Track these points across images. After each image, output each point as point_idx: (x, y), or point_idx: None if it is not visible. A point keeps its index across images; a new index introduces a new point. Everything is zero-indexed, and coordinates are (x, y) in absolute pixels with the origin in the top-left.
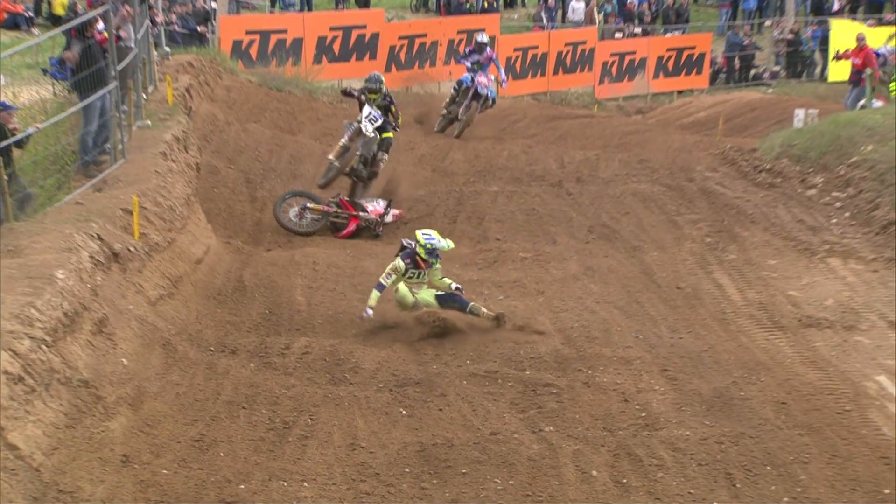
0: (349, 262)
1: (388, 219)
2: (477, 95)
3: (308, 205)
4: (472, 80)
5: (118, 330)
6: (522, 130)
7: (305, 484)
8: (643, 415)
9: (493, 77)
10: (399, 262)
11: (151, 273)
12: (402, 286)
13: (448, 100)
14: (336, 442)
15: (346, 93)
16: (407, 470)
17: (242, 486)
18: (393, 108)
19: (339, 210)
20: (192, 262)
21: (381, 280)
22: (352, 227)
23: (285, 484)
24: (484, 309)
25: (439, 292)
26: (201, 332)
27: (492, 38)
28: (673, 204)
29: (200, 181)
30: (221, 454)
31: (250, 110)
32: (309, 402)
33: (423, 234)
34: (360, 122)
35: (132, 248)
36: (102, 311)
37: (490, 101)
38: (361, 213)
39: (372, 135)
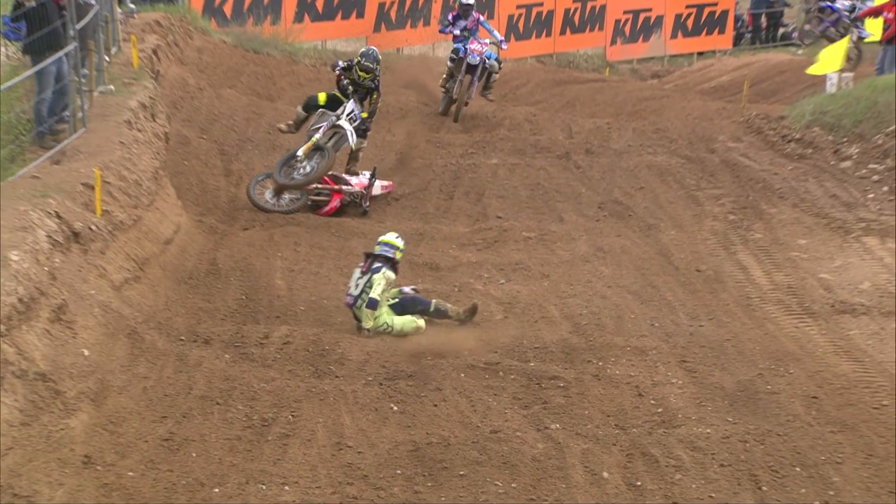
0: (334, 243)
1: (377, 191)
2: (471, 68)
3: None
4: (465, 50)
5: (79, 317)
6: (526, 96)
7: (286, 487)
8: (659, 410)
9: (487, 41)
10: (389, 273)
11: (115, 254)
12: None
13: (445, 75)
14: (320, 441)
15: (336, 68)
16: (398, 471)
17: (217, 490)
18: (374, 96)
19: (319, 186)
20: (161, 243)
21: (373, 296)
22: (335, 202)
23: (264, 487)
24: (450, 305)
25: (392, 301)
26: (171, 320)
27: None
28: (692, 177)
29: (169, 153)
30: (193, 454)
31: (224, 74)
32: (290, 397)
33: (394, 237)
34: (338, 117)
35: (94, 227)
36: (61, 296)
37: (496, 68)
38: (344, 187)
39: (354, 144)
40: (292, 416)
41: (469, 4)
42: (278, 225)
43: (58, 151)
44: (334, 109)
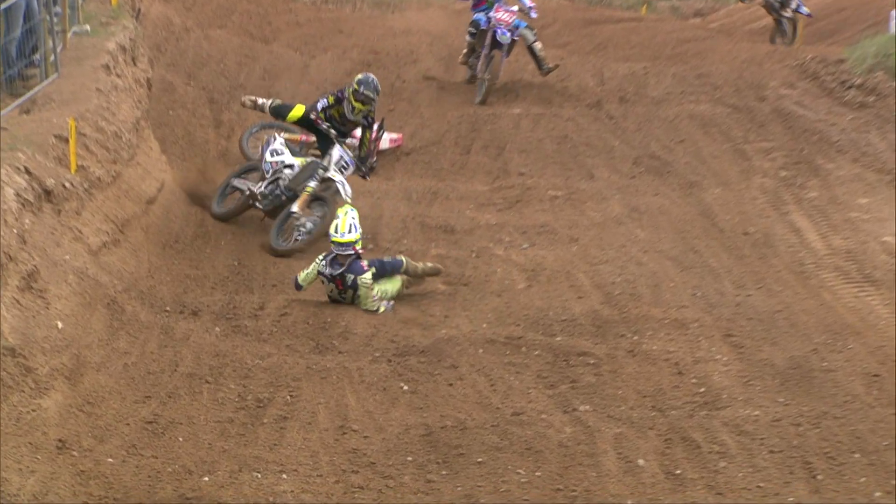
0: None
1: (385, 145)
2: (497, 44)
3: (282, 135)
4: (488, 20)
5: (52, 285)
6: (552, 38)
7: (284, 475)
8: (701, 390)
9: (514, 8)
10: (366, 279)
11: (92, 215)
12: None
13: (466, 49)
14: (322, 424)
15: (315, 110)
16: (409, 458)
17: (206, 479)
18: (368, 134)
19: None
20: (143, 202)
21: (370, 308)
22: None
23: (259, 475)
24: (411, 263)
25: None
26: (155, 289)
27: None
28: (739, 129)
29: (152, 101)
30: (180, 439)
31: (213, 12)
32: (288, 376)
33: (347, 229)
34: (325, 168)
35: (68, 185)
36: (32, 262)
37: (530, 38)
38: (349, 141)
39: (349, 197)
40: (290, 396)
41: None
42: None
43: (27, 99)
44: (307, 128)
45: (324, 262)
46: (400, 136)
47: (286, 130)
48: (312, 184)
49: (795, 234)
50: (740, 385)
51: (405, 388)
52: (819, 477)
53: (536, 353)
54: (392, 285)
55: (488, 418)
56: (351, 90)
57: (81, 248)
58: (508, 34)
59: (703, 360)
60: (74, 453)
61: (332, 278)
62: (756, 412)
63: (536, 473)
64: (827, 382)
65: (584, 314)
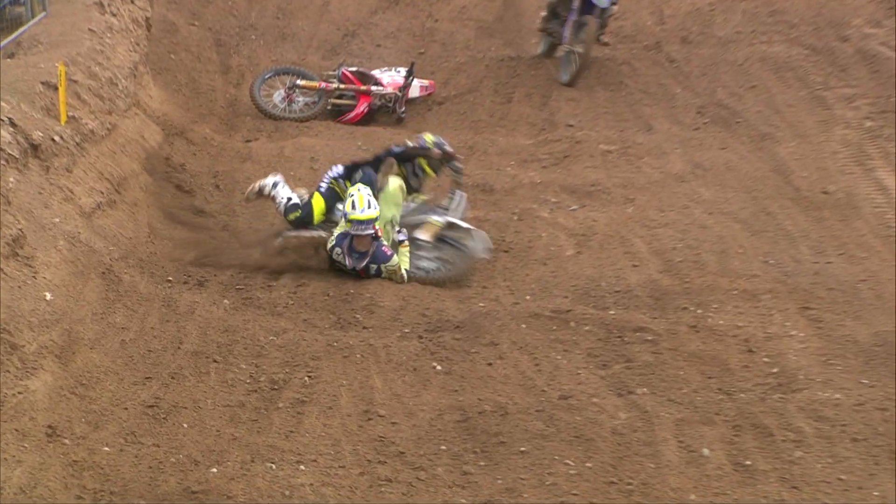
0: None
1: (415, 93)
2: (590, 6)
3: (298, 82)
4: None
5: (40, 252)
6: None
7: (302, 466)
8: (775, 371)
9: None
10: (396, 263)
11: (85, 173)
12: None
13: (545, 12)
14: (344, 409)
15: (448, 155)
16: (443, 447)
17: (214, 470)
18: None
19: (341, 86)
20: (142, 158)
21: (406, 270)
22: (362, 107)
23: (274, 466)
24: None
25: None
26: (155, 256)
27: None
28: (818, 73)
29: (152, 43)
30: (184, 425)
31: None
32: (306, 354)
33: (366, 204)
34: (445, 209)
35: (58, 138)
36: (17, 226)
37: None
38: (374, 88)
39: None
40: (309, 377)
41: None
42: (290, 136)
43: (12, 41)
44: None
45: (339, 251)
46: (432, 82)
47: (303, 76)
48: (438, 219)
49: (882, 193)
50: (819, 364)
51: (438, 368)
52: None
53: (587, 328)
54: (388, 208)
55: (532, 402)
56: (426, 153)
57: (73, 209)
58: None
59: (777, 337)
60: (66, 441)
61: (353, 271)
62: (837, 395)
63: (587, 464)
64: None
65: (640, 284)
